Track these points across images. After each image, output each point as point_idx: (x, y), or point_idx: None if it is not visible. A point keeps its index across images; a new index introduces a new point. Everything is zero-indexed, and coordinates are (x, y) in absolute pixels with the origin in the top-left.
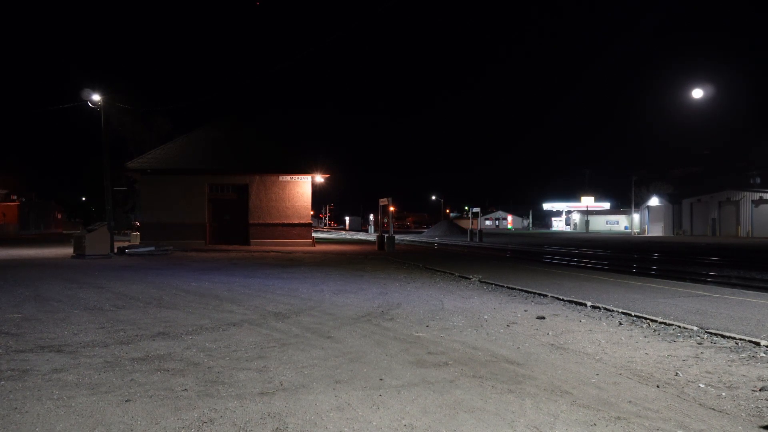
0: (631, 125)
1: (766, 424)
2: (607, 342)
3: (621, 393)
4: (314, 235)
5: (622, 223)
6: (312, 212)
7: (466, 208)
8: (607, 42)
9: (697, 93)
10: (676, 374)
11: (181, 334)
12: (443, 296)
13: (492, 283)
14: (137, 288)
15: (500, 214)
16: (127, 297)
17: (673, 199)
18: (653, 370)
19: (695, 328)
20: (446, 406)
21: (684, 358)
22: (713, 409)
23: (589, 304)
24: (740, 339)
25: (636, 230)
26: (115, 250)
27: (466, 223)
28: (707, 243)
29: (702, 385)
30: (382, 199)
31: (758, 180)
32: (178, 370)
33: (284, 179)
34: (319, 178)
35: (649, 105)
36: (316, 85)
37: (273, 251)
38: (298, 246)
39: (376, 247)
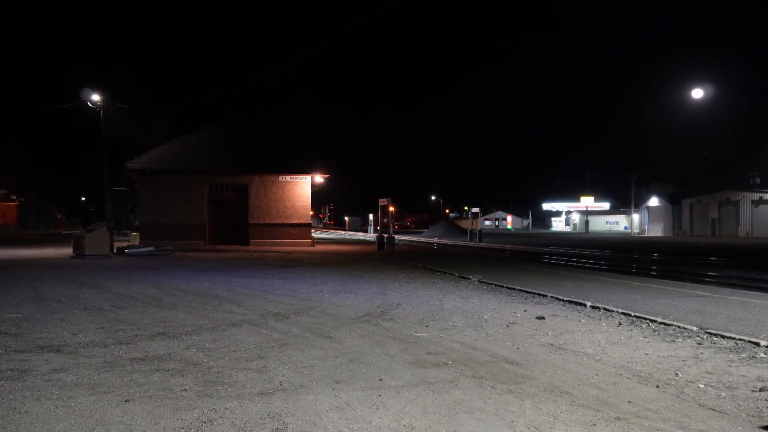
0: (631, 126)
1: (765, 424)
2: (606, 342)
3: (621, 393)
4: (314, 235)
5: (621, 224)
6: (311, 212)
7: (466, 208)
8: (607, 42)
9: (697, 93)
10: (676, 374)
11: (181, 334)
12: (443, 296)
13: (491, 284)
14: (137, 288)
15: (500, 214)
16: (126, 297)
17: (673, 200)
18: (653, 371)
19: (695, 328)
20: (446, 407)
21: (684, 359)
22: (713, 410)
23: (588, 304)
24: (740, 339)
25: (636, 230)
26: (115, 251)
27: (465, 224)
28: (707, 243)
29: (702, 386)
30: (381, 200)
31: (758, 180)
32: (177, 370)
33: (284, 179)
34: (319, 178)
35: (649, 105)
36: (315, 85)
37: (273, 251)
38: (297, 246)
39: (375, 248)
